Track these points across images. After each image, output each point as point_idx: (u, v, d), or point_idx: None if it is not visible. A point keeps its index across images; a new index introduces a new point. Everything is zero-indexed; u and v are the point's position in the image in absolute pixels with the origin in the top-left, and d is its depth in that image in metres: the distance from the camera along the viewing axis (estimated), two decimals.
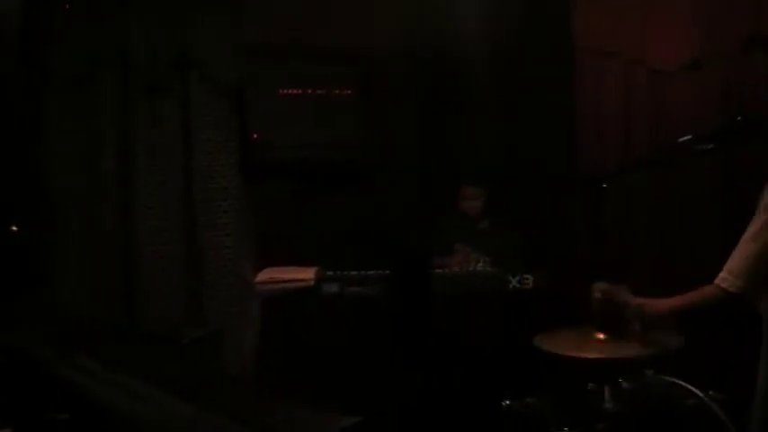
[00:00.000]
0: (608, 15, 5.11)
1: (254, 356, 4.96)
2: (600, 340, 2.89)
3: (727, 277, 2.55)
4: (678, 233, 4.89)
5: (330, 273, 4.85)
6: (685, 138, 2.80)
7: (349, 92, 5.67)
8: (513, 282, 4.81)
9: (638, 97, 5.04)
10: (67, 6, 5.25)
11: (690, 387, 2.94)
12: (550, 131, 5.56)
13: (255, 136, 5.43)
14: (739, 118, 2.65)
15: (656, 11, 4.90)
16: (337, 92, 5.65)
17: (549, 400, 3.07)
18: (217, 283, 5.29)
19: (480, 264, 5.12)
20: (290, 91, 5.57)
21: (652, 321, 2.78)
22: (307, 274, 4.79)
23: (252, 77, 5.43)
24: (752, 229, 2.48)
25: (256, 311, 4.85)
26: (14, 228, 4.87)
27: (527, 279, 4.80)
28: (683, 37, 4.77)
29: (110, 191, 5.22)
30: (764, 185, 2.48)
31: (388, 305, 4.74)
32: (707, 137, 2.77)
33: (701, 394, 2.90)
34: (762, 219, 2.42)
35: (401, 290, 4.73)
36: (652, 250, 5.01)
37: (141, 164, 5.24)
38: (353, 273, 4.84)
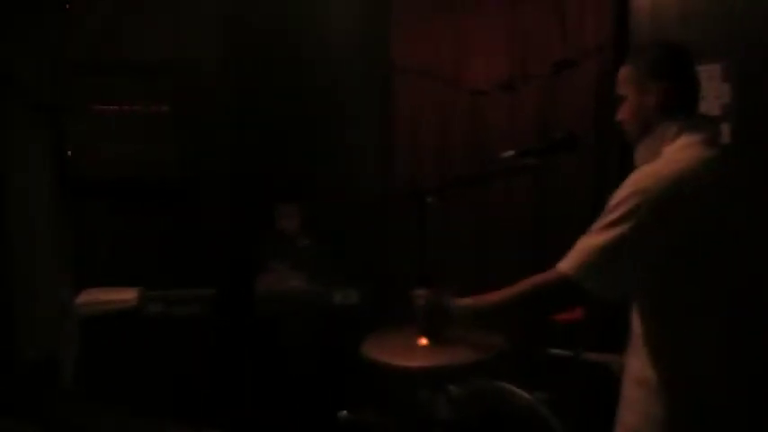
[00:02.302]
0: (425, 36, 5.25)
1: (74, 381, 4.78)
2: (425, 347, 2.73)
3: (571, 265, 2.33)
4: (495, 248, 5.06)
5: (152, 293, 4.74)
6: (508, 153, 2.82)
7: (165, 108, 5.58)
8: (337, 297, 4.85)
9: (455, 116, 5.19)
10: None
11: (516, 389, 3.05)
12: (366, 148, 5.66)
13: (69, 153, 5.25)
14: (559, 135, 2.74)
15: (473, 34, 5.07)
16: (153, 108, 5.55)
17: (384, 410, 3.09)
18: (33, 305, 5.06)
19: (296, 282, 5.13)
20: (105, 107, 5.43)
21: (477, 321, 2.59)
22: (129, 295, 4.67)
23: (67, 94, 5.26)
24: (603, 220, 2.31)
25: (75, 334, 4.67)
26: None
27: (350, 294, 4.85)
28: (499, 59, 4.95)
29: None
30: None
31: (213, 324, 4.68)
32: (529, 152, 2.81)
33: (527, 396, 3.01)
34: (620, 210, 2.26)
35: (226, 308, 4.68)
36: (470, 264, 5.15)
37: None
38: (176, 292, 4.75)
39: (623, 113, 2.54)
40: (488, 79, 5.02)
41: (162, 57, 5.57)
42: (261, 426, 4.50)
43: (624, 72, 2.55)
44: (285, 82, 5.85)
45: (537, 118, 4.80)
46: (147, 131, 5.54)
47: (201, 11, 5.69)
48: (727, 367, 2.31)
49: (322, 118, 5.76)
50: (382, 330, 2.97)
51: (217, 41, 5.81)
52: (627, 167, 2.46)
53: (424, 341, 2.73)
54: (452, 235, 5.14)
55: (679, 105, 2.44)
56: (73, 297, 4.62)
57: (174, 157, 5.60)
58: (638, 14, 4.50)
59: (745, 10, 4.17)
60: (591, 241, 2.30)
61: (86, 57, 5.35)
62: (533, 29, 4.82)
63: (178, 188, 5.63)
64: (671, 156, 2.36)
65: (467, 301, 2.59)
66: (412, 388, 3.11)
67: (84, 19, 5.36)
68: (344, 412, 3.10)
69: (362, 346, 2.76)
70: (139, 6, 5.51)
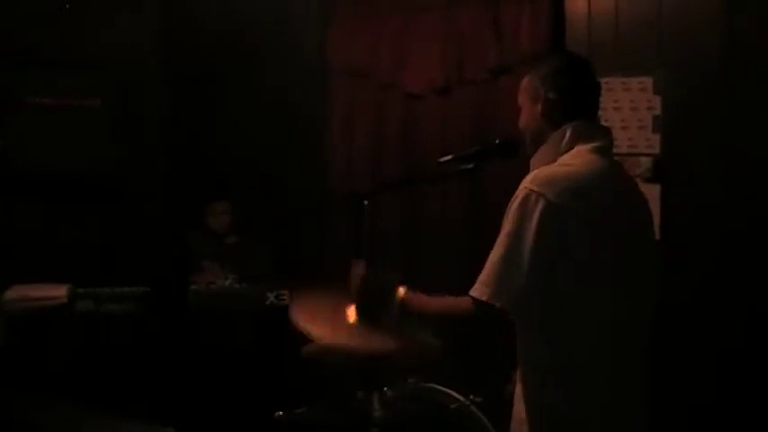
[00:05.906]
0: (362, 39, 5.26)
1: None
2: (352, 325, 2.53)
3: (477, 287, 2.27)
4: (432, 252, 5.08)
5: (83, 290, 4.67)
6: (446, 157, 2.79)
7: (98, 102, 5.50)
8: (271, 297, 4.83)
9: (390, 119, 5.21)
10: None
11: (451, 392, 3.08)
12: (301, 148, 5.66)
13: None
14: (499, 140, 2.73)
15: (410, 37, 5.08)
16: (85, 102, 5.47)
17: (319, 410, 3.10)
18: None
19: (228, 281, 5.10)
20: (35, 100, 5.33)
21: (411, 316, 2.46)
22: (58, 292, 4.59)
23: None
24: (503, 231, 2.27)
25: (2, 332, 4.58)
26: None
27: (284, 295, 4.83)
28: (435, 63, 4.97)
29: None
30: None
31: (146, 322, 4.64)
32: (467, 157, 2.80)
33: (462, 399, 3.04)
34: (516, 218, 2.22)
35: (159, 307, 4.63)
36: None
37: None
38: (107, 290, 4.69)
39: (520, 123, 2.54)
40: (424, 83, 5.04)
41: (98, 52, 5.49)
42: (196, 427, 4.47)
43: (523, 82, 2.55)
44: (222, 81, 5.82)
45: (472, 122, 4.84)
46: (81, 128, 5.47)
47: (140, 7, 5.62)
48: (612, 368, 2.31)
49: (258, 117, 5.73)
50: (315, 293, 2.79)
51: (154, 39, 5.75)
52: None
53: (353, 318, 2.57)
54: (386, 237, 5.16)
55: (566, 115, 2.41)
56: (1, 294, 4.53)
57: (108, 154, 5.53)
58: (574, 21, 4.57)
59: (678, 25, 4.27)
60: (494, 256, 2.25)
61: (18, 48, 5.25)
62: (469, 34, 4.85)
63: (112, 185, 5.56)
64: (563, 161, 2.35)
65: (402, 293, 2.47)
66: (350, 388, 3.12)
67: (19, 9, 5.26)
68: (280, 413, 3.11)
69: (293, 305, 2.58)
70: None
